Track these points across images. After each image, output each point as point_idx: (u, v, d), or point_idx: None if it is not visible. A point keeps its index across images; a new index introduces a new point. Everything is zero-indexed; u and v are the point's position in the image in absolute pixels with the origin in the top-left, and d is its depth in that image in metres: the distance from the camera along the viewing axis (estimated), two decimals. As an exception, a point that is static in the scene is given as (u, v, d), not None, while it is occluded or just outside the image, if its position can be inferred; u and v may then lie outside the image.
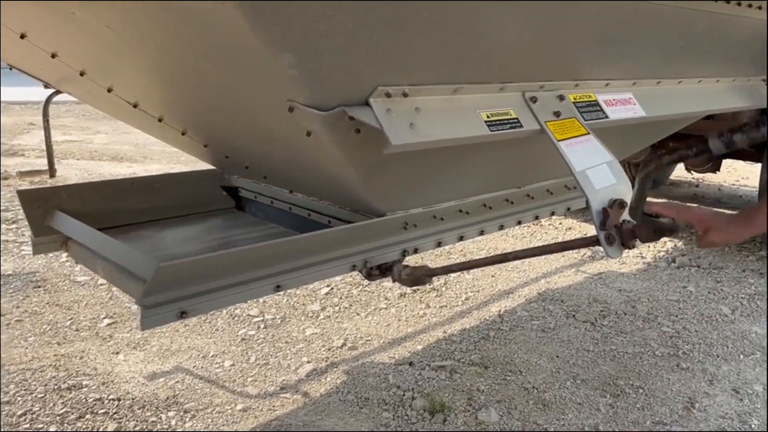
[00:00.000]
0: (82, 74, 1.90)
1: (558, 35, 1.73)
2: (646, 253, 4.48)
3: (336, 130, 1.44)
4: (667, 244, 4.65)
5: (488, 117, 1.63)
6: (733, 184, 6.71)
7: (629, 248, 1.71)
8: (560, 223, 5.15)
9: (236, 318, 3.28)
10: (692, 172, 5.29)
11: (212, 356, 2.91)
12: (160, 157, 7.63)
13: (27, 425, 2.34)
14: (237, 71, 1.41)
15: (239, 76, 1.44)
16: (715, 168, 5.06)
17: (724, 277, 4.04)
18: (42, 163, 6.85)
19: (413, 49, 1.41)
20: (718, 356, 3.03)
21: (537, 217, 2.55)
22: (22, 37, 1.77)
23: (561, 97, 1.87)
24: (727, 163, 5.31)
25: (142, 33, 1.46)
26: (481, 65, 1.61)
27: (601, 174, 1.74)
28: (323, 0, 1.14)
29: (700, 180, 6.78)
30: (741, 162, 5.46)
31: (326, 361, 2.90)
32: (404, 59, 1.41)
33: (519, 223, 2.41)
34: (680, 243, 4.70)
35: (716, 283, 3.95)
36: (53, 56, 1.85)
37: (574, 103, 1.91)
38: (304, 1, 1.11)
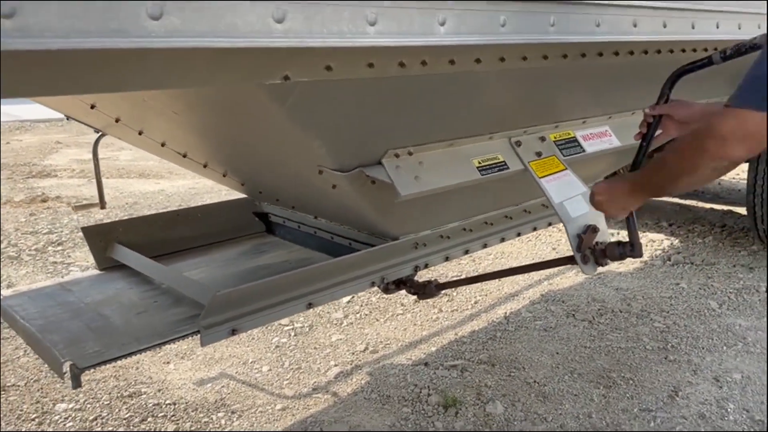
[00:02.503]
0: (140, 133, 2.27)
1: (540, 91, 2.06)
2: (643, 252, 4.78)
3: (356, 183, 1.80)
4: (663, 242, 4.97)
5: (480, 163, 1.98)
6: (733, 179, 6.97)
7: (602, 266, 2.07)
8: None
9: (269, 328, 3.66)
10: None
11: (251, 362, 3.28)
12: (185, 173, 8.01)
13: (99, 428, 2.73)
14: (278, 145, 1.78)
15: (280, 148, 1.80)
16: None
17: (715, 273, 4.34)
18: (75, 183, 7.33)
19: (416, 119, 1.76)
20: (703, 348, 3.35)
21: (535, 228, 2.88)
22: (92, 107, 2.14)
23: (542, 138, 2.20)
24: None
25: (201, 116, 1.83)
26: (473, 122, 1.96)
27: (577, 204, 2.08)
28: (344, 95, 1.50)
29: (700, 176, 7.02)
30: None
31: (351, 364, 3.26)
32: (409, 127, 1.77)
33: (519, 234, 2.73)
34: (676, 241, 5.01)
35: (707, 279, 4.26)
36: (117, 120, 2.21)
37: (554, 141, 2.25)
38: (332, 98, 1.48)
